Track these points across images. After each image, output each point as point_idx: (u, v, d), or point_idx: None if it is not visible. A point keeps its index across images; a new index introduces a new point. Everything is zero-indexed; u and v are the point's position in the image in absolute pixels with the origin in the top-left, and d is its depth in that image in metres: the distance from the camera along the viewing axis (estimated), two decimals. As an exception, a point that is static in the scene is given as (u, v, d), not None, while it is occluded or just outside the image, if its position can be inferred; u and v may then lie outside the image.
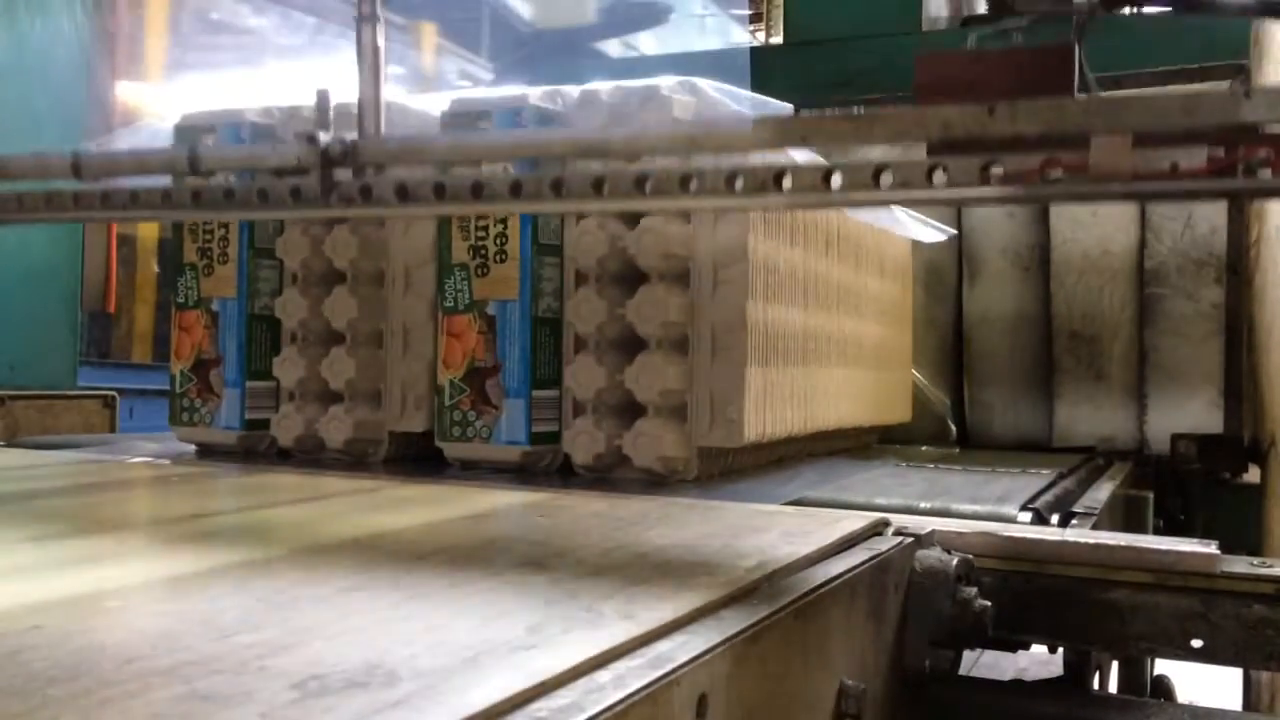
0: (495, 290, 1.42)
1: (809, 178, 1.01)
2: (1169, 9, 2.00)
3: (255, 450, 1.59)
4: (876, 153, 1.01)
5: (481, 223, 1.43)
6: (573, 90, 1.42)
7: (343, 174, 1.21)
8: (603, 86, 1.40)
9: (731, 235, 1.37)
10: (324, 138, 1.23)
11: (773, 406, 1.45)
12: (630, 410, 1.40)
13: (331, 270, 1.54)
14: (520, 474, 1.43)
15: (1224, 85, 2.46)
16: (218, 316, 1.58)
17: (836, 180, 1.00)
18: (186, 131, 1.59)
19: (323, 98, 1.26)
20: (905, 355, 2.31)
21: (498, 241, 1.42)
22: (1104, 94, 1.01)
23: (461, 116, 1.44)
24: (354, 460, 1.53)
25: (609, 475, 1.41)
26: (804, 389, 1.58)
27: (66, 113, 2.26)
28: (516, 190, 1.15)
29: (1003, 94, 0.97)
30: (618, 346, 1.41)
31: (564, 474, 1.44)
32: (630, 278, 1.40)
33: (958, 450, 2.32)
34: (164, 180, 1.34)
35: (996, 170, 0.94)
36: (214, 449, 1.60)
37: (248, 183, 1.29)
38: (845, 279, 1.80)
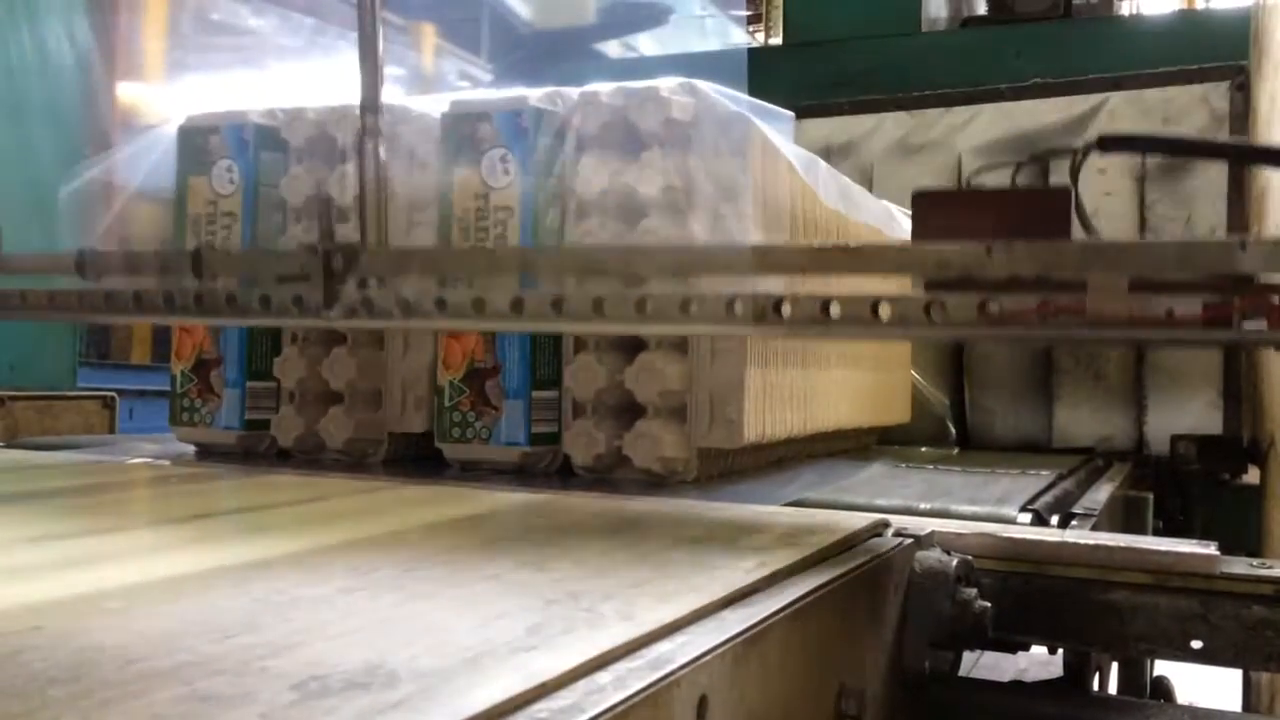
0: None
1: (808, 308, 1.03)
2: (1161, 153, 2.05)
3: (255, 451, 1.59)
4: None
5: (481, 224, 1.42)
6: (572, 92, 1.42)
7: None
8: (603, 88, 1.40)
9: (730, 237, 1.36)
10: (326, 246, 1.25)
11: (772, 407, 1.45)
12: (630, 411, 1.40)
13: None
14: (520, 475, 1.43)
15: (1222, 87, 2.46)
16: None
17: (835, 310, 1.03)
18: (190, 134, 1.59)
19: (325, 205, 1.28)
20: (904, 356, 2.31)
21: (498, 243, 1.42)
22: (1100, 240, 1.03)
23: (460, 118, 1.44)
24: (354, 461, 1.53)
25: (609, 476, 1.41)
26: (803, 390, 1.58)
27: (66, 114, 2.26)
28: (518, 308, 1.18)
29: (1000, 234, 0.99)
30: (617, 347, 1.41)
31: (564, 475, 1.44)
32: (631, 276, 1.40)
33: (957, 451, 2.32)
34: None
35: (993, 309, 0.96)
36: (214, 449, 1.60)
37: (250, 290, 1.32)
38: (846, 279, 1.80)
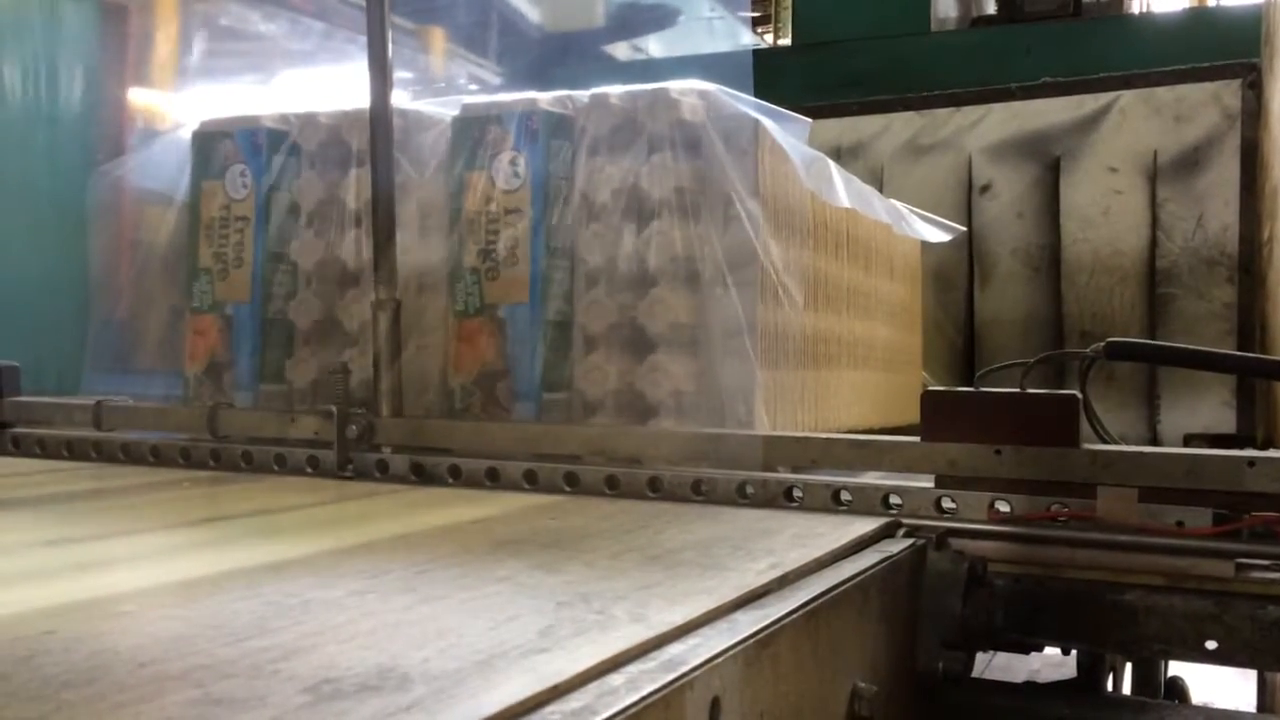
0: (506, 294, 1.42)
1: (820, 497, 1.07)
2: (1174, 365, 2.07)
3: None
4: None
5: (493, 227, 1.43)
6: (583, 94, 1.42)
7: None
8: (613, 90, 1.40)
9: (741, 239, 1.37)
10: (342, 412, 1.28)
11: (783, 408, 1.45)
12: (642, 412, 1.39)
13: (345, 273, 1.54)
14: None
15: (1234, 85, 2.45)
16: (232, 320, 1.58)
17: (845, 497, 1.06)
18: (203, 139, 1.60)
19: (342, 379, 1.31)
20: (915, 357, 2.30)
21: (508, 245, 1.42)
22: (1108, 448, 1.06)
23: (471, 121, 1.44)
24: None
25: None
26: (814, 391, 1.57)
27: (80, 120, 2.27)
28: (531, 479, 1.20)
29: (1008, 437, 1.01)
30: (627, 347, 1.40)
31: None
32: (640, 279, 1.40)
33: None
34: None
35: (1003, 509, 0.99)
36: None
37: (266, 449, 1.35)
38: (855, 280, 1.80)
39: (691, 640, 0.63)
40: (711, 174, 1.35)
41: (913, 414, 2.24)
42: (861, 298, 1.83)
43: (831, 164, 1.55)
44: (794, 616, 0.71)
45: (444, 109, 1.49)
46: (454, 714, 0.48)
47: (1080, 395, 1.09)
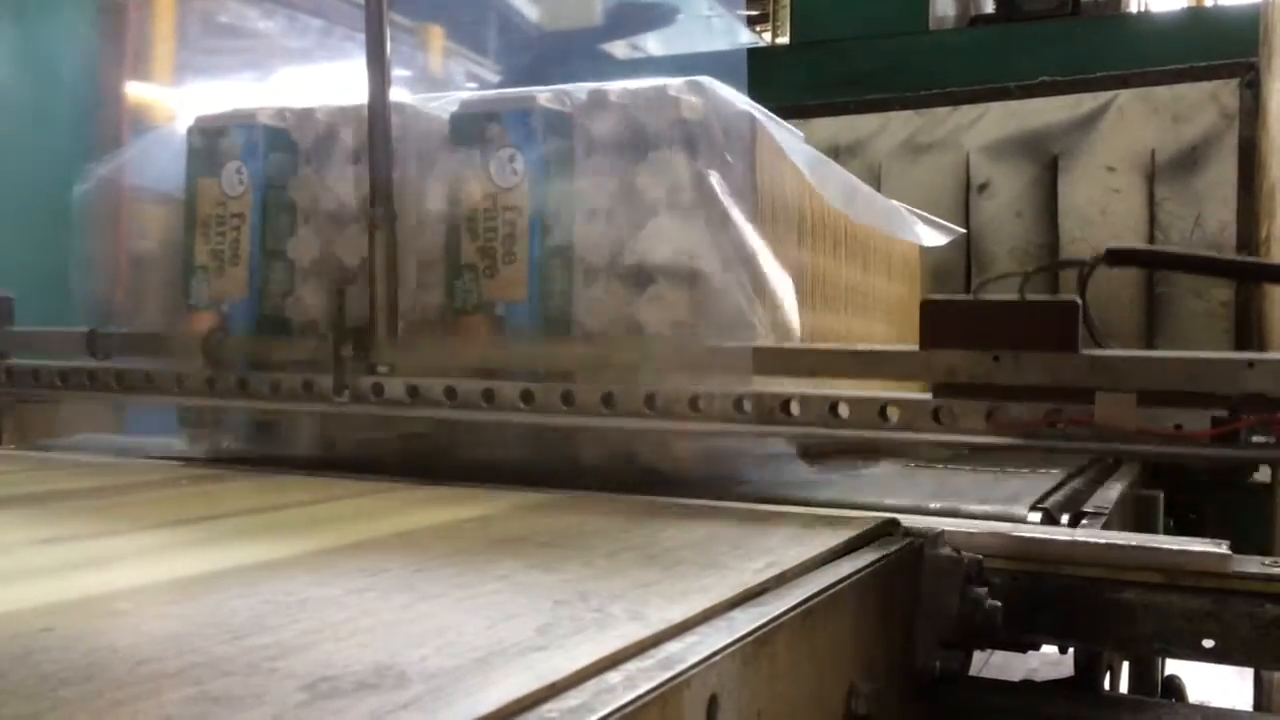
0: (504, 291, 1.42)
1: (816, 408, 1.04)
2: (1169, 268, 2.06)
3: (260, 454, 1.59)
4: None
5: (490, 224, 1.42)
6: (581, 91, 1.42)
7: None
8: (611, 87, 1.39)
9: (738, 236, 1.36)
10: (337, 334, 1.26)
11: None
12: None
13: (343, 270, 1.54)
14: (529, 473, 1.42)
15: (1232, 84, 2.45)
16: (228, 317, 1.58)
17: (844, 411, 1.04)
18: (199, 135, 1.59)
19: (339, 295, 1.29)
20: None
21: (506, 243, 1.41)
22: (1108, 352, 1.04)
23: (469, 118, 1.44)
24: (361, 460, 1.53)
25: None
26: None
27: (77, 116, 2.26)
28: (528, 399, 1.18)
29: (1007, 344, 0.99)
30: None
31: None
32: (639, 276, 1.39)
33: (966, 450, 2.31)
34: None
35: (1002, 417, 0.97)
36: (222, 450, 1.60)
37: (261, 375, 1.33)
38: (853, 279, 1.80)
39: (689, 639, 0.63)
40: (710, 171, 1.34)
41: None
42: (859, 296, 1.83)
43: (833, 164, 1.54)
44: (791, 615, 0.71)
45: (443, 106, 1.49)
46: (451, 712, 0.48)
47: (1080, 301, 1.07)
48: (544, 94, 1.41)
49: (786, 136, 1.44)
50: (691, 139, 1.34)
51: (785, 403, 1.05)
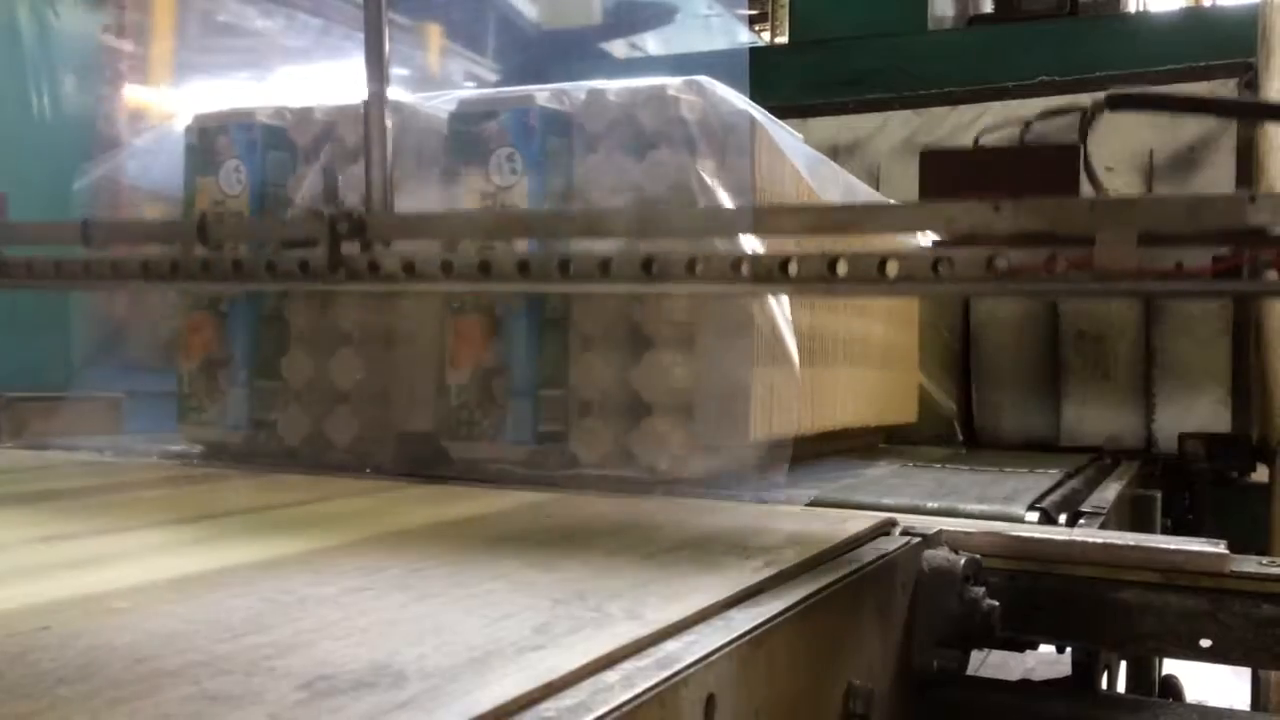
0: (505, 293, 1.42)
1: (815, 266, 1.02)
2: (1171, 111, 2.04)
3: (262, 451, 1.59)
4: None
5: (489, 223, 1.42)
6: (579, 90, 1.41)
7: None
8: (609, 86, 1.39)
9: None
10: (331, 211, 1.24)
11: (779, 406, 1.45)
12: (637, 410, 1.40)
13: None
14: (527, 473, 1.42)
15: (1230, 84, 2.45)
16: (227, 317, 1.58)
17: (841, 268, 1.02)
18: (198, 133, 1.59)
19: (330, 174, 1.27)
20: (912, 356, 2.30)
21: (505, 242, 1.41)
22: (1109, 195, 1.02)
23: (468, 117, 1.43)
24: (360, 460, 1.53)
25: (615, 474, 1.40)
26: (810, 389, 1.57)
27: (76, 115, 2.26)
28: (524, 269, 1.16)
29: (1008, 191, 0.98)
30: (624, 346, 1.40)
31: (571, 472, 1.44)
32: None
33: (965, 450, 2.31)
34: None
35: (1001, 264, 0.95)
36: (221, 449, 1.60)
37: (256, 254, 1.30)
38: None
39: (687, 638, 0.63)
40: (708, 170, 1.34)
41: (909, 412, 2.26)
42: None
43: (831, 164, 1.54)
44: (789, 614, 0.71)
45: (441, 104, 1.49)
46: (449, 711, 0.48)
47: (1081, 147, 1.05)
48: (543, 93, 1.41)
49: (785, 137, 1.44)
50: (690, 138, 1.34)
51: (784, 262, 1.02)
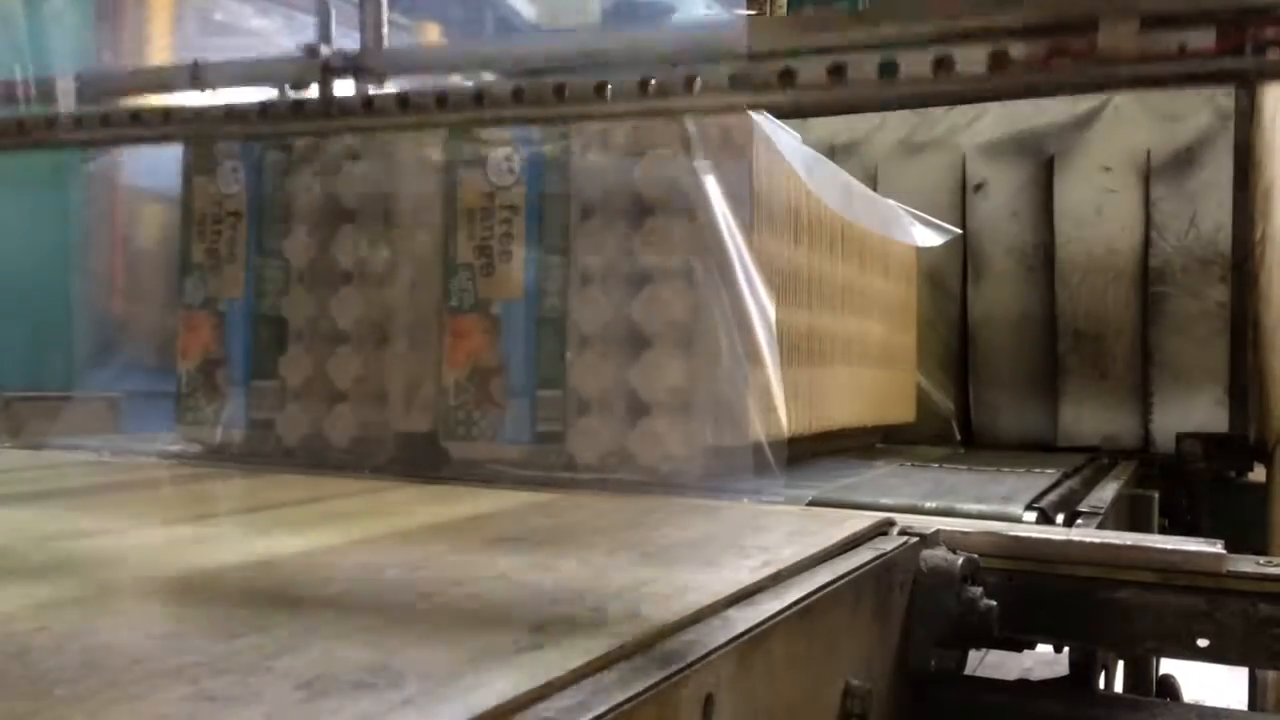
0: (500, 290, 1.42)
1: (814, 74, 0.99)
2: None
3: (260, 450, 1.59)
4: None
5: (487, 223, 1.43)
6: None
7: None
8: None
9: (735, 237, 1.36)
10: (325, 51, 1.23)
11: (777, 405, 1.45)
12: (636, 409, 1.40)
13: (337, 270, 1.54)
14: (524, 474, 1.42)
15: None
16: (225, 316, 1.58)
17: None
18: (195, 134, 1.58)
19: (323, 8, 1.25)
20: (910, 355, 2.31)
21: (503, 241, 1.42)
22: None
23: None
24: (358, 459, 1.53)
25: (614, 474, 1.40)
26: (808, 388, 1.57)
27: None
28: (518, 96, 1.14)
29: None
30: (622, 345, 1.40)
31: (568, 473, 1.44)
32: (636, 276, 1.40)
33: (962, 450, 2.32)
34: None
35: (1002, 59, 0.93)
36: (219, 449, 1.60)
37: (248, 101, 1.29)
38: (850, 278, 1.80)
39: (685, 637, 0.63)
40: (706, 171, 1.34)
41: (908, 412, 2.26)
42: (856, 295, 1.83)
43: (830, 165, 1.54)
44: (787, 614, 0.71)
45: None
46: (447, 711, 0.48)
47: None
48: None
49: (784, 137, 1.44)
50: (688, 139, 1.34)
51: (785, 70, 1.01)
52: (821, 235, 1.65)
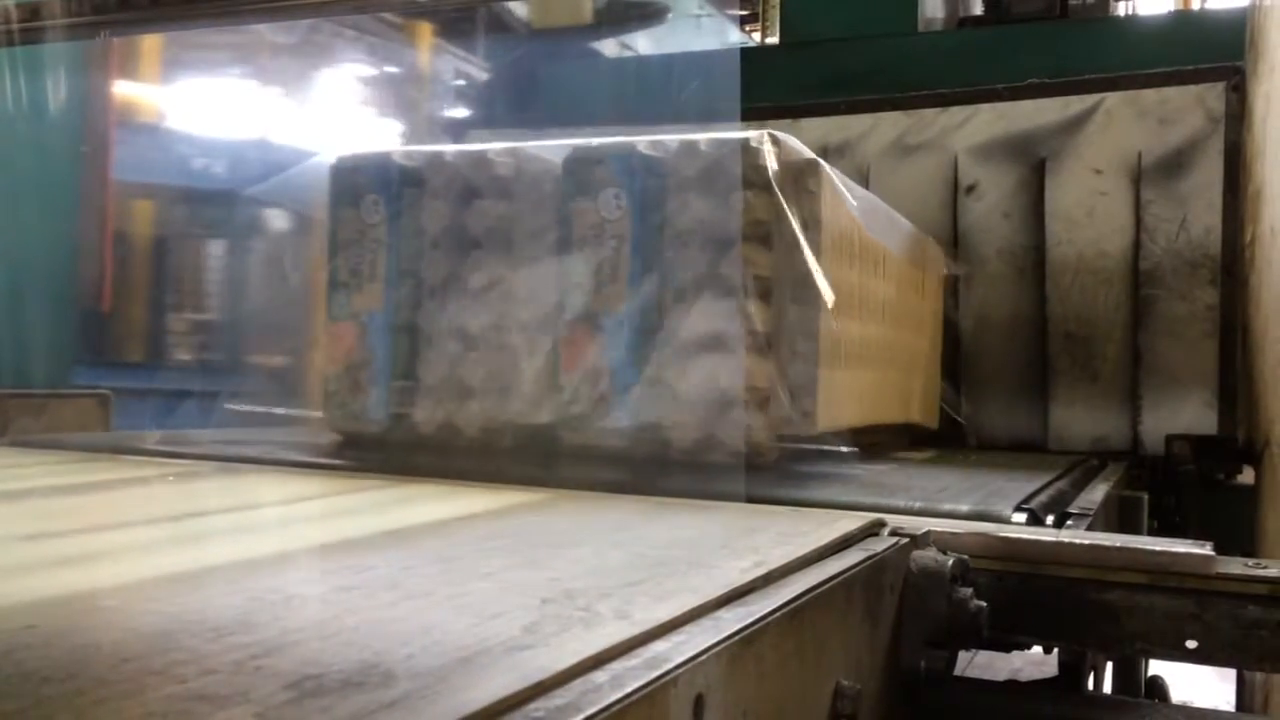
0: (607, 304, 1.57)
1: None
2: None
3: (397, 440, 1.69)
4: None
5: (598, 247, 1.57)
6: (673, 140, 1.56)
7: None
8: (700, 137, 1.54)
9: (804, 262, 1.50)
10: None
11: (836, 400, 1.63)
12: (724, 403, 1.50)
13: (465, 286, 1.69)
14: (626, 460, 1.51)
15: (1218, 87, 2.47)
16: (366, 326, 1.74)
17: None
18: (341, 172, 1.73)
19: None
20: (936, 361, 2.37)
21: (611, 264, 1.56)
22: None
23: (580, 162, 1.59)
24: (484, 447, 1.64)
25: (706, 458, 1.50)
26: (858, 388, 1.77)
27: (65, 115, 2.25)
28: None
29: None
30: (711, 349, 1.52)
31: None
32: (723, 292, 1.53)
33: (953, 451, 2.32)
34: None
35: None
36: (362, 439, 1.72)
37: None
38: (890, 295, 1.98)
39: (676, 638, 0.63)
40: (783, 208, 1.49)
41: (932, 416, 2.34)
42: (897, 309, 2.03)
43: (872, 198, 1.76)
44: (778, 615, 0.71)
45: (556, 151, 1.64)
46: (437, 710, 0.48)
47: None
48: (642, 142, 1.58)
49: (842, 179, 1.64)
50: (767, 182, 1.50)
51: None
52: (869, 260, 1.83)
